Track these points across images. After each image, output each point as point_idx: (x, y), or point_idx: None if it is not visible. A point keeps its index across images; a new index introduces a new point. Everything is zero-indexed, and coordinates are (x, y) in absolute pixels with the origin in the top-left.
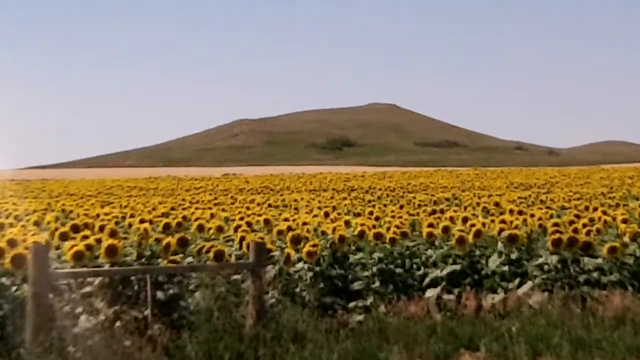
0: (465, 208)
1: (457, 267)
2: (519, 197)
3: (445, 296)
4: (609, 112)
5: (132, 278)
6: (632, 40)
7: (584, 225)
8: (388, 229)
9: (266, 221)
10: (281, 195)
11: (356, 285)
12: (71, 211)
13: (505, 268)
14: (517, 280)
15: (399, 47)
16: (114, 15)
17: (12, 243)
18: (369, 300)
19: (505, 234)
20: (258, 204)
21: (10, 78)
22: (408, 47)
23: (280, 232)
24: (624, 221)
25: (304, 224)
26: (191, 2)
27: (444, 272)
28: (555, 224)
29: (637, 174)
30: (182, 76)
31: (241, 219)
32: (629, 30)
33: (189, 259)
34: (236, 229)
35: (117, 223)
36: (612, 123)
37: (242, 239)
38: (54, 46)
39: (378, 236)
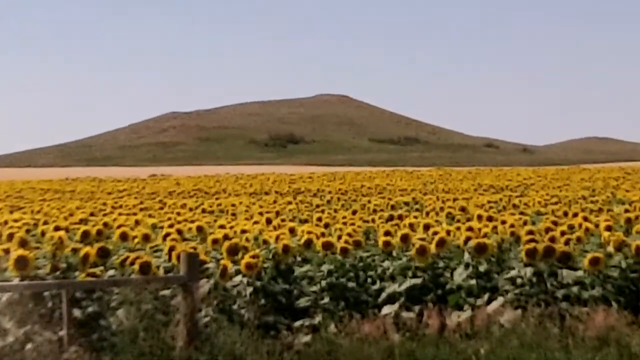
0: (427, 214)
1: (418, 281)
2: (489, 201)
3: (404, 314)
4: (590, 105)
5: (46, 294)
6: (613, 30)
7: (563, 233)
8: (339, 237)
9: (199, 229)
10: (217, 199)
11: (302, 302)
12: None
13: (473, 282)
14: (486, 296)
15: (350, 31)
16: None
17: None
18: (317, 319)
19: (472, 243)
20: (190, 209)
21: None
22: (361, 31)
23: (215, 241)
24: (608, 228)
25: (243, 232)
26: None
27: (403, 286)
28: (530, 232)
29: (623, 175)
30: (105, 64)
31: (171, 226)
32: (609, 20)
33: (111, 272)
34: (165, 237)
35: (28, 231)
36: (594, 117)
37: (172, 249)
38: None
39: (327, 246)
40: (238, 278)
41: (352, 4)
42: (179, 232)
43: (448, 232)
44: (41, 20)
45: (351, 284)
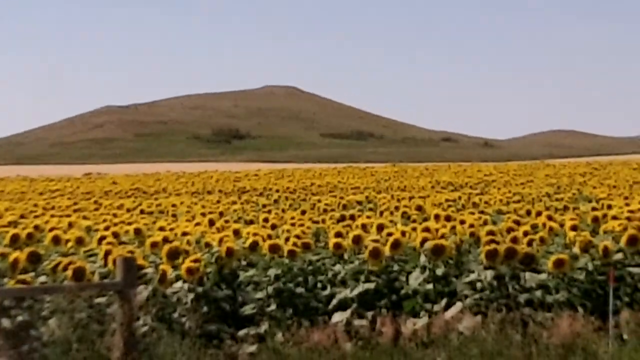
0: (381, 213)
1: (371, 285)
2: (447, 200)
3: (357, 321)
4: (554, 96)
5: None
6: (577, 23)
7: (525, 234)
8: (287, 239)
9: (137, 231)
10: (156, 199)
11: (247, 309)
12: None
13: (430, 286)
14: (443, 301)
15: (299, 19)
16: None
17: None
18: (264, 327)
19: (429, 244)
20: (127, 210)
21: None
22: (311, 19)
23: (154, 245)
24: (574, 228)
25: (184, 234)
26: None
27: (355, 292)
28: (491, 232)
29: (590, 171)
30: (35, 55)
31: (106, 228)
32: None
33: (42, 279)
34: (100, 240)
35: None
36: (559, 109)
37: (108, 253)
38: None
39: (274, 248)
40: (178, 284)
41: None
42: (116, 235)
43: (403, 233)
44: None
45: (300, 290)
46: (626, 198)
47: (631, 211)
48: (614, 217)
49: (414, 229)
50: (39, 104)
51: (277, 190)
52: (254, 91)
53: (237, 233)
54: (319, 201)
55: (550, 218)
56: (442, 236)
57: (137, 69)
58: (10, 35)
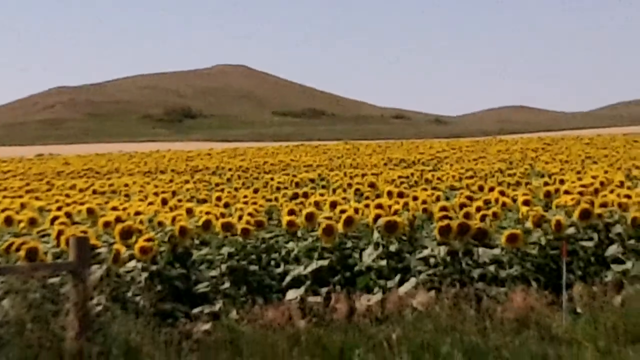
0: (334, 191)
1: (325, 262)
2: (400, 177)
3: (311, 298)
4: (505, 72)
5: None
6: None
7: (478, 209)
8: (240, 218)
9: (90, 211)
10: (109, 179)
11: (201, 288)
12: None
13: (383, 263)
14: (397, 277)
15: None
16: None
17: None
18: (218, 306)
19: (382, 221)
20: (80, 191)
21: None
22: None
23: (107, 224)
24: (526, 203)
25: (137, 213)
26: None
27: (309, 269)
28: (443, 208)
29: (542, 146)
30: None
31: (59, 209)
32: None
33: None
34: (53, 221)
35: None
36: (510, 85)
37: (60, 233)
38: None
39: (227, 227)
40: (132, 263)
41: None
42: (68, 215)
43: (356, 210)
44: None
45: (253, 268)
46: (578, 173)
47: (583, 186)
48: (566, 192)
49: (367, 206)
50: None
51: (230, 169)
52: (205, 70)
53: (190, 212)
54: (272, 179)
55: (502, 193)
56: (395, 213)
57: (89, 50)
58: None
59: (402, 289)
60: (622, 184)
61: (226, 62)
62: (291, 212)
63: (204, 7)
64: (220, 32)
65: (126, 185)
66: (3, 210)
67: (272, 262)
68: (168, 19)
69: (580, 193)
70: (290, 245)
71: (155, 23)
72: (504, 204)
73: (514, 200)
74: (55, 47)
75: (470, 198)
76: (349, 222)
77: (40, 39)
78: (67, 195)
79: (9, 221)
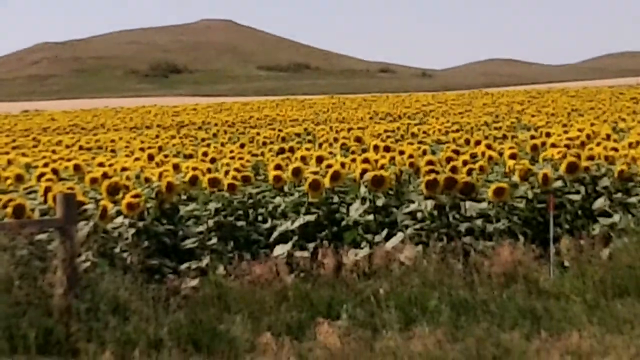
0: (321, 145)
1: (312, 217)
2: (386, 131)
3: (298, 253)
4: (490, 24)
5: None
6: None
7: (465, 163)
8: (226, 173)
9: (76, 167)
10: (95, 134)
11: (188, 244)
12: None
13: (370, 217)
14: (384, 232)
15: None
16: None
17: None
18: (205, 261)
19: (368, 175)
20: (67, 147)
21: None
22: None
23: (94, 181)
24: (513, 156)
25: (124, 169)
26: None
27: (296, 224)
28: (430, 162)
29: (528, 98)
30: None
31: (45, 165)
32: None
33: None
34: (39, 177)
35: None
36: (495, 37)
37: (48, 189)
38: None
39: (214, 182)
40: (119, 219)
41: None
42: (55, 171)
43: (343, 165)
44: None
45: (240, 223)
46: (564, 126)
47: (570, 139)
48: (553, 145)
49: (354, 160)
50: None
51: (216, 124)
52: (190, 25)
53: (176, 167)
54: (258, 134)
55: (489, 147)
56: (382, 167)
57: (73, 5)
58: None
59: (389, 244)
60: (608, 137)
61: (211, 17)
62: (278, 167)
63: None
64: None
65: (112, 140)
66: None
67: (259, 218)
68: None
69: (567, 146)
70: (277, 200)
71: None
72: (490, 158)
73: (501, 154)
74: (39, 3)
75: (456, 152)
76: (335, 176)
77: None
78: (54, 152)
79: None
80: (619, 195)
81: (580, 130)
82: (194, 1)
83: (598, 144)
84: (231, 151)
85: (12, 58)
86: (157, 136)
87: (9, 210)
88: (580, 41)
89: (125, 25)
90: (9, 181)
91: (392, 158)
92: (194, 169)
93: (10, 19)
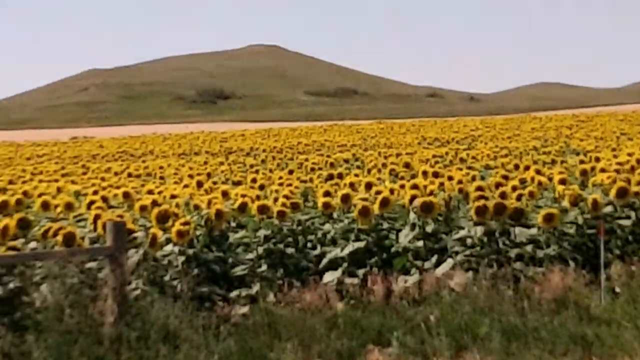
0: (369, 171)
1: (361, 244)
2: (434, 156)
3: (348, 280)
4: (539, 48)
5: None
6: None
7: (514, 188)
8: (275, 200)
9: (126, 195)
10: (143, 161)
11: (238, 271)
12: None
13: (420, 244)
14: (434, 258)
15: None
16: None
17: None
18: (255, 289)
19: (418, 202)
20: (115, 174)
21: None
22: None
23: (143, 208)
24: (562, 182)
25: (173, 197)
26: None
27: (345, 251)
28: (479, 188)
29: (577, 122)
30: (19, 20)
31: (95, 192)
32: None
33: (33, 245)
34: (89, 205)
35: None
36: (543, 61)
37: (97, 217)
38: None
39: (263, 209)
40: (169, 247)
41: None
42: (104, 199)
43: (392, 191)
44: None
45: (290, 250)
46: (614, 150)
47: (619, 163)
48: (603, 170)
49: (403, 187)
50: (24, 68)
51: (264, 150)
52: (237, 51)
53: (225, 194)
54: (306, 160)
55: (538, 172)
56: (431, 193)
57: (121, 32)
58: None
59: (439, 270)
60: None
61: (258, 43)
62: (327, 194)
63: None
64: (252, 13)
65: (161, 167)
66: (40, 195)
67: (309, 245)
68: (197, 1)
69: (617, 171)
70: (327, 227)
71: (187, 5)
72: (539, 183)
73: (550, 179)
74: (88, 30)
75: (505, 177)
76: (384, 203)
77: (73, 21)
78: (103, 179)
79: (45, 206)
80: None
81: (629, 154)
82: (241, 27)
83: None
84: (280, 177)
85: (60, 85)
86: (205, 162)
87: (60, 238)
88: (629, 64)
89: (173, 51)
90: (59, 209)
91: (441, 184)
92: (243, 196)
93: (59, 46)
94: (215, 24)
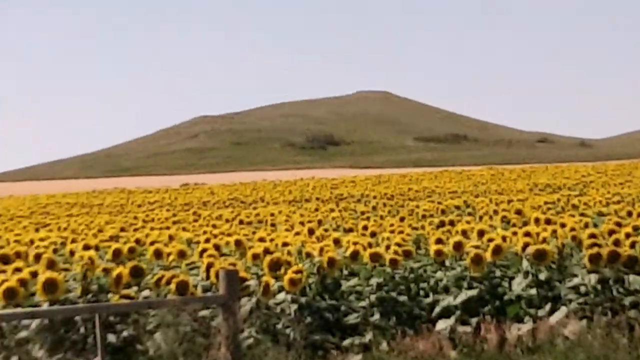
0: (481, 218)
1: (474, 292)
2: (546, 202)
3: (461, 328)
4: None
5: (77, 319)
6: None
7: (628, 235)
8: (387, 247)
9: (238, 243)
10: (254, 208)
11: (351, 319)
12: None
13: (533, 291)
14: (548, 306)
15: (389, 23)
16: (39, 5)
17: None
18: (368, 337)
19: (531, 249)
20: (227, 221)
21: None
22: (399, 24)
23: (255, 256)
24: None
25: (284, 244)
26: None
27: (458, 299)
28: (592, 235)
29: None
30: (130, 67)
31: (207, 240)
32: None
33: (146, 293)
34: (202, 253)
35: (55, 251)
36: None
37: (210, 265)
38: None
39: (375, 257)
40: (281, 295)
41: None
42: (217, 247)
43: (504, 238)
44: (59, 23)
45: (402, 298)
46: None
47: None
48: None
49: (515, 234)
50: (134, 116)
51: (375, 197)
52: (346, 97)
53: (337, 242)
54: (417, 207)
55: None
56: (544, 240)
57: (229, 79)
58: (108, 49)
59: (553, 318)
60: None
61: (367, 89)
62: (439, 241)
63: (345, 34)
64: (360, 58)
65: (272, 214)
66: (152, 243)
67: (421, 292)
68: (309, 47)
69: None
70: (439, 274)
71: (296, 51)
72: None
73: None
74: (197, 75)
75: (618, 224)
76: (497, 250)
77: (182, 66)
78: (214, 226)
79: (158, 254)
80: None
81: None
82: (349, 73)
83: None
84: (391, 224)
85: (171, 131)
86: (316, 209)
87: (173, 286)
88: None
89: (282, 97)
90: (171, 257)
91: (554, 231)
92: (355, 243)
93: (168, 93)
94: (325, 71)
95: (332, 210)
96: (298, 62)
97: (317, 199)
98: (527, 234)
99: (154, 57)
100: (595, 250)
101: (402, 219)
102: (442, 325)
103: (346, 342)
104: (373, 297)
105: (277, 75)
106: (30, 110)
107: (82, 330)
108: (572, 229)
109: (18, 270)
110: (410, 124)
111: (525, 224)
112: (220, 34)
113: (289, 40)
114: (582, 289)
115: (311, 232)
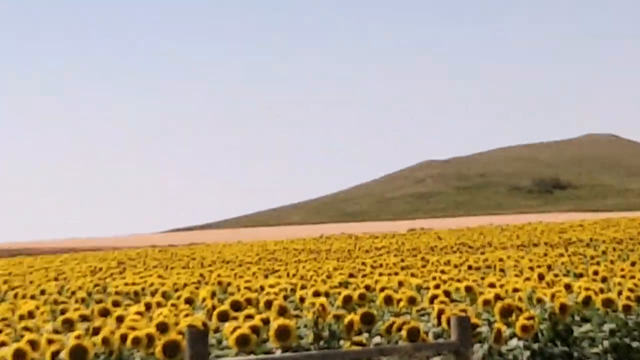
0: None
1: None
2: None
3: None
4: None
5: None
6: None
7: None
8: (619, 293)
9: (468, 288)
10: (482, 253)
11: None
12: (229, 283)
13: None
14: None
15: (614, 64)
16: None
17: (162, 327)
18: None
19: None
20: (455, 266)
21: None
22: (628, 62)
23: (486, 302)
24: None
25: (515, 290)
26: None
27: None
28: None
29: None
30: (354, 111)
31: (437, 286)
32: None
33: (377, 340)
34: (432, 299)
35: (285, 297)
36: None
37: (441, 312)
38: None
39: (608, 303)
40: (513, 342)
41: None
42: (447, 293)
43: None
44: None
45: (636, 344)
46: None
47: None
48: None
49: None
50: (360, 159)
51: (604, 241)
52: (573, 140)
53: (568, 287)
54: None
55: None
56: None
57: (455, 123)
58: (326, 97)
59: None
60: None
61: (594, 132)
62: None
63: (570, 72)
64: (587, 98)
65: (500, 259)
66: (382, 290)
67: None
68: (531, 86)
69: None
70: None
71: (516, 91)
72: None
73: None
74: (422, 119)
75: None
76: None
77: (407, 110)
78: (443, 272)
79: (388, 300)
80: None
81: None
82: (578, 116)
83: None
84: (622, 269)
85: (397, 176)
86: (545, 254)
87: (404, 333)
88: None
89: (508, 140)
90: (401, 303)
91: None
92: (587, 289)
93: (393, 136)
94: (551, 112)
95: (561, 255)
96: (524, 103)
97: (546, 243)
98: None
99: (386, 99)
100: None
101: (633, 264)
102: None
103: None
104: (606, 343)
105: (501, 119)
106: (258, 157)
107: None
108: None
109: (249, 317)
110: (638, 166)
111: None
112: (446, 72)
113: (510, 80)
114: None
115: (541, 277)
